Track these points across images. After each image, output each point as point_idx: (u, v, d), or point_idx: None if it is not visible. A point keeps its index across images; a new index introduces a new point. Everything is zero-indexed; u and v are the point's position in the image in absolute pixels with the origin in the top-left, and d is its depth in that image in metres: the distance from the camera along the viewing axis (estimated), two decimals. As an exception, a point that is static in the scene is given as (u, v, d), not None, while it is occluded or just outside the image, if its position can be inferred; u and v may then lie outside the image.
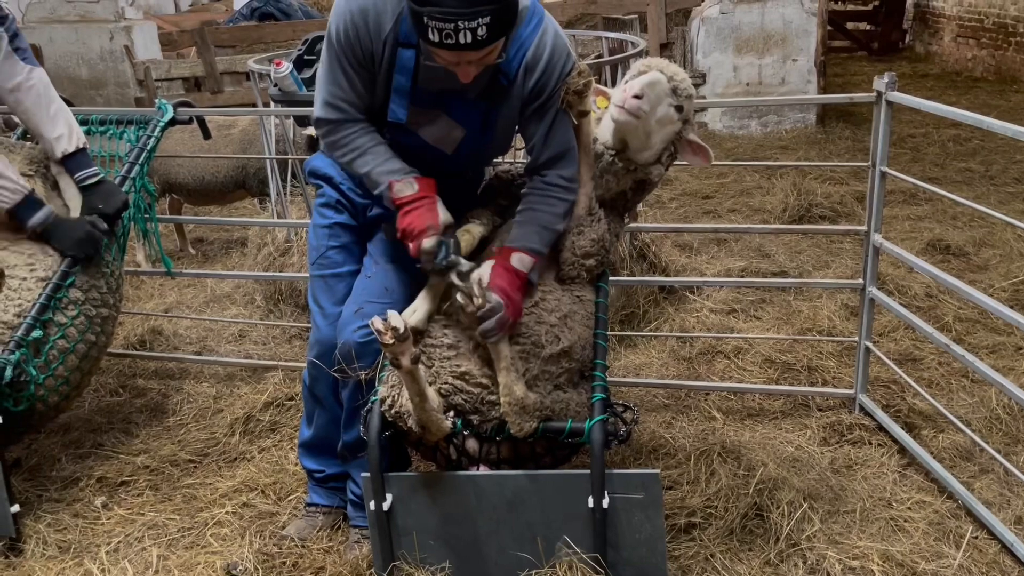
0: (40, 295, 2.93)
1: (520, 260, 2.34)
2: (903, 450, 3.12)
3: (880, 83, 3.02)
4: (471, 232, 2.47)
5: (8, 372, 2.74)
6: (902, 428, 3.20)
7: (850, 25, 13.64)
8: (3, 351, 2.78)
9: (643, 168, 2.50)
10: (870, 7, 13.56)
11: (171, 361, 4.12)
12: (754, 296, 4.59)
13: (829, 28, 11.08)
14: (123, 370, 4.09)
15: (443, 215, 2.35)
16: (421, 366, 2.26)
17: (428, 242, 2.30)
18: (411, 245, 2.33)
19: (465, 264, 2.30)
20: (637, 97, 2.35)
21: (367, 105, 2.42)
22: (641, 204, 4.86)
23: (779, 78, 8.61)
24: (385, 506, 2.35)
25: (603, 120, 2.53)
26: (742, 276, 4.86)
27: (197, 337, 4.43)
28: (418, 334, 2.36)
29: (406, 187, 2.35)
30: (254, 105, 5.10)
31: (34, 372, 2.85)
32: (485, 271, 2.30)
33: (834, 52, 12.64)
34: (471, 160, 2.59)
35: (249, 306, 4.76)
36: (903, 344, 4.00)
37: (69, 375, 3.01)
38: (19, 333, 2.83)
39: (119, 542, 2.79)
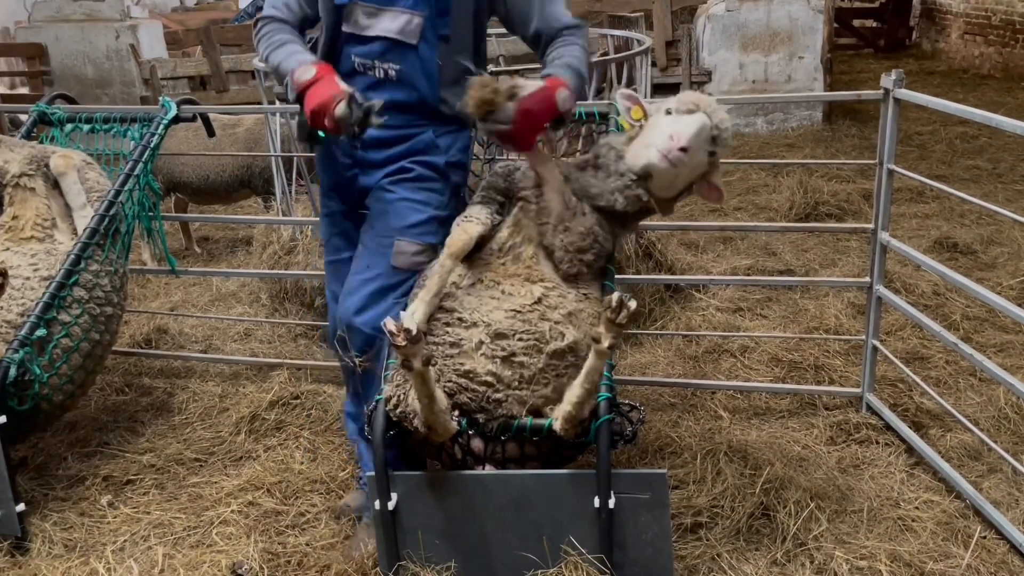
0: (44, 294, 2.93)
1: (561, 94, 2.37)
2: (911, 449, 3.10)
3: (888, 80, 3.00)
4: (467, 231, 2.44)
5: (12, 371, 2.75)
6: (909, 427, 3.18)
7: (856, 22, 13.59)
8: (7, 350, 2.78)
9: (659, 202, 2.47)
10: (877, 4, 13.51)
11: (177, 360, 4.12)
12: (760, 295, 4.57)
13: (835, 25, 11.03)
14: (129, 369, 4.09)
15: (343, 85, 2.40)
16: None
17: (339, 109, 2.34)
18: (326, 122, 2.36)
19: (375, 100, 2.37)
20: (683, 150, 2.31)
21: (300, 16, 2.63)
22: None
23: (785, 76, 8.57)
24: (391, 505, 2.35)
25: (636, 141, 2.45)
26: (748, 274, 4.84)
27: (203, 336, 4.43)
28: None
29: (305, 72, 2.44)
30: (259, 104, 5.10)
31: (38, 371, 2.85)
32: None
33: (840, 49, 12.59)
34: (442, 56, 2.56)
35: (254, 304, 4.75)
36: (910, 343, 3.97)
37: (74, 374, 3.02)
38: (23, 332, 2.83)
39: (125, 541, 2.79)
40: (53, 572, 2.55)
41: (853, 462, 3.06)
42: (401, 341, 2.07)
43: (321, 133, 2.44)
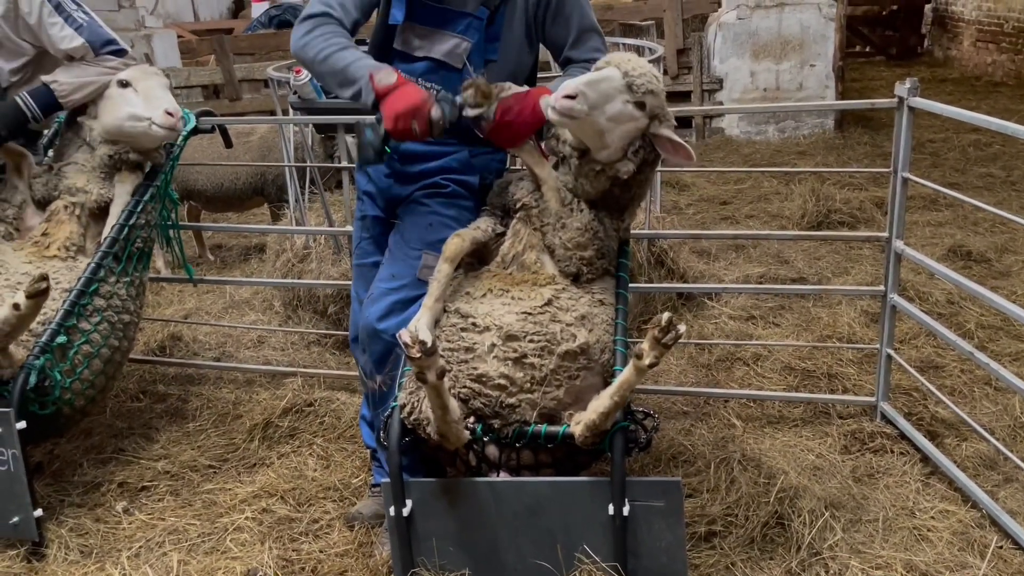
0: (64, 302, 2.96)
1: (544, 99, 2.39)
2: (926, 458, 3.09)
3: (902, 89, 3.00)
4: (462, 236, 2.48)
5: (33, 377, 2.77)
6: (924, 436, 3.17)
7: (868, 30, 13.58)
8: (29, 357, 2.80)
9: (610, 166, 2.43)
10: (888, 12, 13.49)
11: (191, 367, 4.15)
12: (773, 303, 4.56)
13: (848, 34, 11.02)
14: (144, 376, 4.11)
15: (424, 91, 2.39)
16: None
17: (435, 112, 2.35)
18: (416, 125, 2.34)
19: (464, 94, 2.38)
20: (569, 97, 2.28)
21: (354, 19, 2.55)
22: (658, 210, 4.86)
23: (797, 83, 8.57)
24: (405, 512, 2.35)
25: None
26: (760, 283, 4.84)
27: (216, 343, 4.45)
28: None
29: (387, 76, 2.38)
30: (273, 112, 5.13)
31: (59, 377, 2.87)
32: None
33: (852, 57, 12.57)
34: (490, 77, 2.57)
35: (268, 312, 4.78)
36: (925, 351, 3.96)
37: (94, 379, 3.04)
38: (44, 339, 2.86)
39: (140, 547, 2.80)
40: (72, 575, 2.57)
41: (868, 471, 3.05)
42: (416, 353, 2.08)
43: (388, 149, 2.40)
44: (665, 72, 8.22)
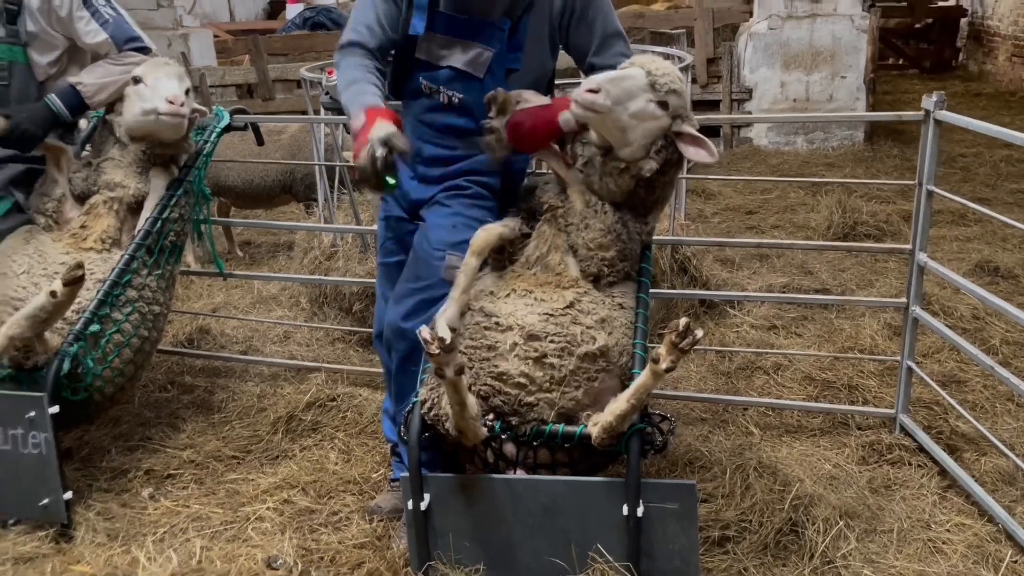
0: (98, 292, 3.05)
1: (564, 115, 2.47)
2: (944, 472, 3.08)
3: (928, 102, 3.01)
4: (488, 230, 2.53)
5: (67, 363, 2.86)
6: (943, 450, 3.16)
7: (902, 42, 13.48)
8: (63, 344, 2.89)
9: (633, 164, 2.47)
10: (923, 25, 13.38)
11: (217, 360, 4.23)
12: (795, 313, 4.56)
13: (881, 46, 10.95)
14: (171, 367, 4.20)
15: (374, 133, 2.29)
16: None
17: (361, 158, 2.28)
18: (358, 173, 2.32)
19: (392, 146, 2.27)
20: (592, 91, 2.33)
21: (383, 40, 2.60)
22: (683, 218, 4.88)
23: (827, 95, 8.54)
24: (423, 506, 2.40)
25: None
26: (784, 292, 4.83)
27: (243, 337, 4.53)
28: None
29: (356, 119, 2.38)
30: (304, 112, 5.22)
31: (92, 364, 2.96)
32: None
33: (885, 70, 12.49)
34: (513, 84, 2.63)
35: (294, 308, 4.86)
36: (947, 366, 3.94)
37: (124, 367, 3.13)
38: (78, 327, 2.94)
39: (164, 532, 2.87)
40: (96, 559, 2.65)
41: (884, 483, 3.05)
42: (435, 350, 2.12)
43: (390, 180, 2.36)
44: (694, 81, 8.22)
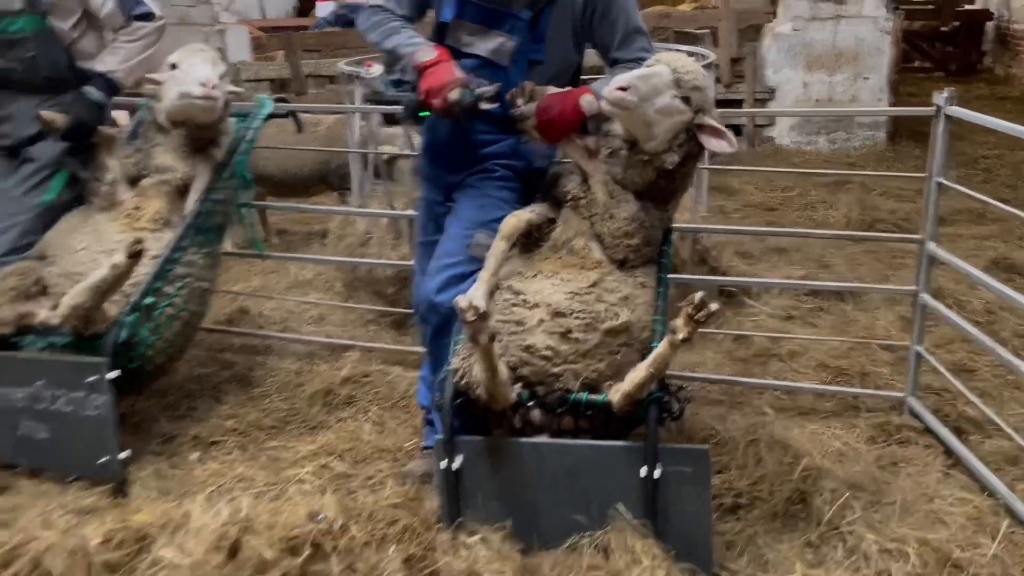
0: (153, 267, 3.26)
1: (585, 98, 2.66)
2: (949, 452, 3.23)
3: (940, 98, 3.17)
4: (518, 217, 2.71)
5: (124, 332, 3.08)
6: (950, 432, 3.30)
7: (927, 45, 13.49)
8: (121, 314, 3.11)
9: (656, 157, 2.64)
10: (950, 28, 13.39)
11: (256, 338, 4.44)
12: (812, 304, 4.71)
13: (906, 48, 11.00)
14: (212, 344, 4.41)
15: (460, 72, 2.66)
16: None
17: (453, 94, 2.60)
18: (436, 101, 2.63)
19: (489, 87, 2.65)
20: (622, 89, 2.51)
21: (408, 16, 2.86)
22: (704, 211, 5.04)
23: (849, 96, 8.64)
24: (455, 466, 2.59)
25: None
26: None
27: (280, 318, 4.74)
28: None
29: (427, 53, 2.69)
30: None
31: (146, 334, 3.17)
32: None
33: (910, 72, 12.52)
34: (532, 79, 2.80)
35: (328, 292, 5.06)
36: (958, 355, 4.07)
37: (174, 339, 3.35)
38: (134, 298, 3.16)
39: (213, 491, 3.08)
40: (152, 509, 2.85)
41: (891, 460, 3.19)
42: (471, 317, 2.31)
43: (425, 112, 2.70)
44: (718, 81, 8.35)
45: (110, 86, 3.53)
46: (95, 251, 3.29)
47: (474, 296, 2.46)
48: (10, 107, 3.54)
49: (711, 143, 2.63)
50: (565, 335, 2.55)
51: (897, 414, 3.52)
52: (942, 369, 3.44)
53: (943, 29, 13.43)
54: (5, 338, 3.13)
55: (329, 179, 5.92)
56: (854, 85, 8.61)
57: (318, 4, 15.14)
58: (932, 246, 3.31)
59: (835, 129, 8.59)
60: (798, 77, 8.66)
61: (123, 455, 3.06)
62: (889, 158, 8.18)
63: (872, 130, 8.63)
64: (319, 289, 5.14)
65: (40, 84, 3.48)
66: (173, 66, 3.45)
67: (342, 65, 4.93)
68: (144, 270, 3.22)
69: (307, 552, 2.61)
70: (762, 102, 8.77)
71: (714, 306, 2.30)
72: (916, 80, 12.60)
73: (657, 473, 2.45)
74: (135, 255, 2.89)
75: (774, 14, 9.10)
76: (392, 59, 2.83)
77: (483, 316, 2.32)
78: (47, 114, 3.34)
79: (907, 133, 8.80)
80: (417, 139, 4.21)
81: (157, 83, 3.48)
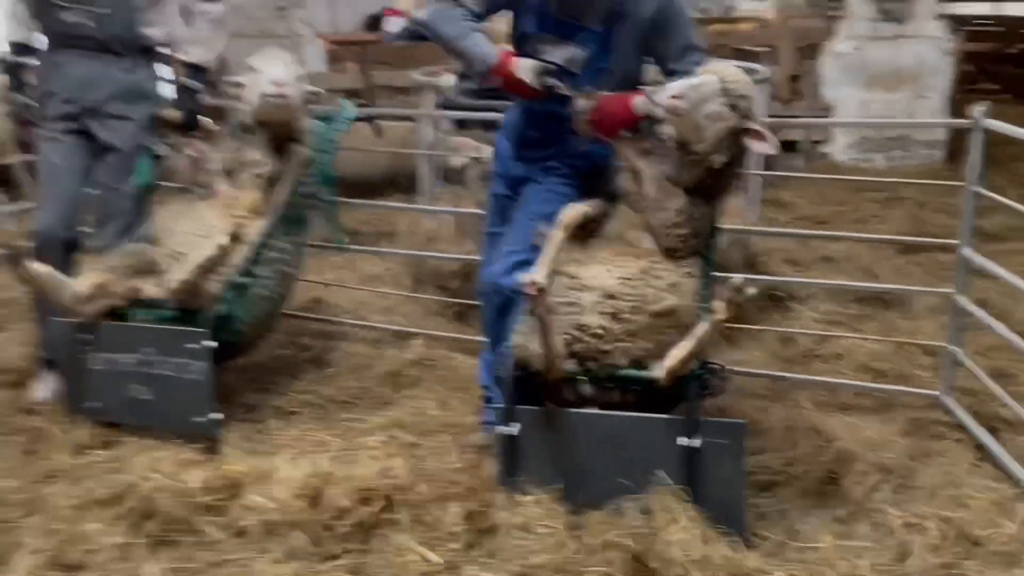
0: (248, 251, 3.63)
1: (638, 99, 2.96)
2: (980, 447, 3.40)
3: (977, 111, 3.39)
4: (576, 209, 3.00)
5: (223, 307, 3.46)
6: (982, 429, 3.46)
7: (994, 67, 13.36)
8: (221, 291, 3.49)
9: (705, 157, 2.89)
10: (1018, 51, 13.28)
11: (330, 324, 4.80)
12: (856, 310, 4.88)
13: (971, 69, 10.96)
14: (290, 329, 4.75)
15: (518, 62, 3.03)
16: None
17: (527, 76, 3.00)
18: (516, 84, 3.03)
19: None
20: (676, 97, 2.81)
21: (477, 14, 3.10)
22: (756, 219, 5.25)
23: (908, 115, 8.69)
24: (512, 432, 2.88)
25: None
26: (844, 292, 5.14)
27: (351, 308, 5.10)
28: None
29: (494, 56, 3.04)
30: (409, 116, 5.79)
31: (240, 311, 3.55)
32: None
33: (976, 94, 12.41)
34: (601, 86, 3.08)
35: (396, 286, 5.41)
36: (999, 362, 4.20)
37: (263, 318, 3.72)
38: (232, 278, 3.54)
39: (294, 452, 3.42)
40: (243, 462, 3.20)
41: (923, 452, 3.37)
42: (532, 291, 2.62)
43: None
44: (775, 98, 8.51)
45: (199, 71, 3.86)
46: (197, 235, 3.66)
47: (536, 274, 2.76)
48: (75, 70, 3.60)
49: (754, 145, 2.89)
50: (616, 316, 2.83)
51: (932, 411, 3.69)
52: (977, 371, 3.61)
53: (1008, 51, 13.31)
54: (117, 310, 3.54)
55: (398, 182, 6.30)
56: (913, 104, 8.67)
57: (385, 18, 15.71)
58: (968, 251, 3.50)
59: (892, 147, 8.65)
60: (856, 95, 8.75)
61: (217, 416, 3.42)
62: (946, 177, 8.20)
63: (930, 148, 8.66)
64: (387, 283, 5.50)
65: (105, 43, 3.56)
66: (252, 69, 3.78)
67: (415, 75, 5.29)
68: (241, 253, 3.60)
69: (380, 504, 2.93)
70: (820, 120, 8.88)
71: (752, 290, 2.56)
72: (981, 102, 12.50)
73: (697, 443, 2.71)
74: (237, 237, 3.27)
75: (833, 33, 9.23)
76: (459, 56, 3.15)
77: (542, 291, 2.62)
78: (167, 113, 3.76)
79: (965, 152, 8.78)
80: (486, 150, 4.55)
81: (240, 85, 3.81)
